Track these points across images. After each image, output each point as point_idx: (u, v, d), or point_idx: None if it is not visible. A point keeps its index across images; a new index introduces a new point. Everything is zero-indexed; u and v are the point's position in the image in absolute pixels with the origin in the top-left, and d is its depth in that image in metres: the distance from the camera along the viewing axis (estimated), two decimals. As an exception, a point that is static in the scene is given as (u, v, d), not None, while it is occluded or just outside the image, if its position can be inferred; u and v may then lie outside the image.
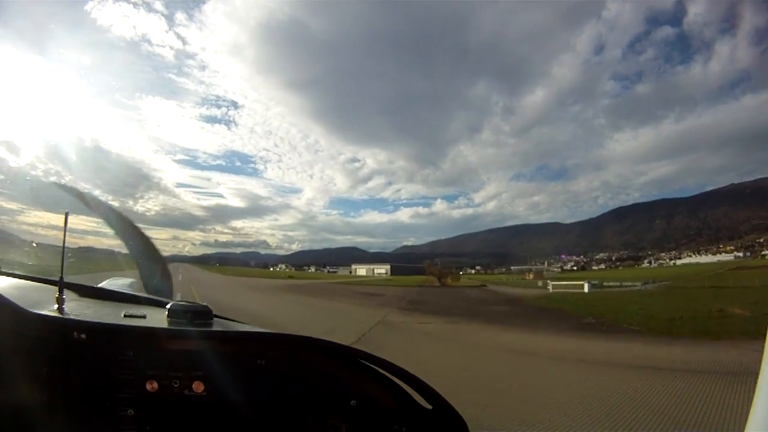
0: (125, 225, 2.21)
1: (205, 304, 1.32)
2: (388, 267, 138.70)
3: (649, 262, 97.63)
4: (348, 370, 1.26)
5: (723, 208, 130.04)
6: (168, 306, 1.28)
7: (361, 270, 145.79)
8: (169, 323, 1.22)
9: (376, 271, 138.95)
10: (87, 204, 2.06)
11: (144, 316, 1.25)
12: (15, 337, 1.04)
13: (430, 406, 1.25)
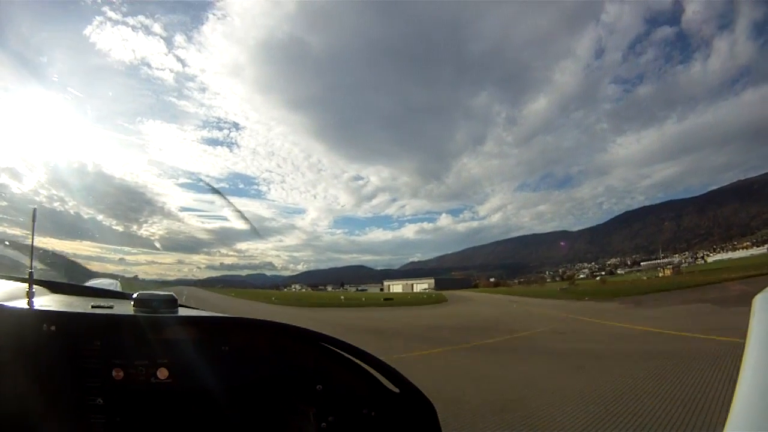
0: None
1: (171, 293, 1.33)
2: (432, 281, 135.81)
3: (680, 262, 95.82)
4: (313, 354, 1.27)
5: (731, 205, 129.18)
6: (134, 296, 1.31)
7: (396, 286, 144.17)
8: (135, 312, 1.23)
9: (417, 286, 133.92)
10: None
11: (111, 307, 1.27)
12: None
13: (397, 390, 1.28)
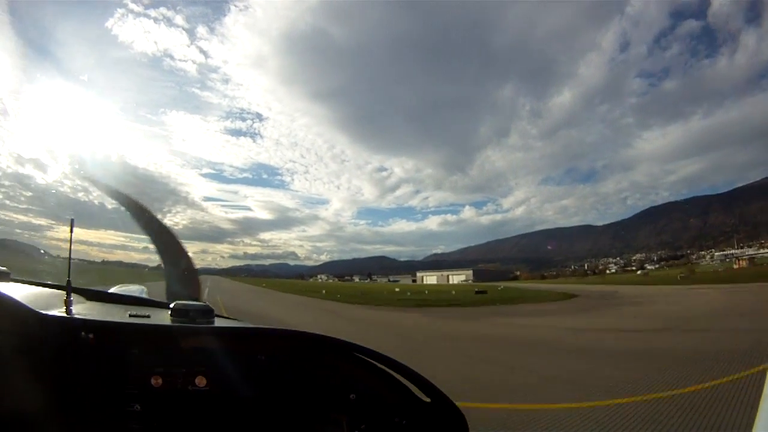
0: (152, 222, 2.27)
1: (207, 303, 1.39)
2: (470, 273, 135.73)
3: (711, 258, 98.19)
4: (347, 364, 1.30)
5: (758, 203, 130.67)
6: (171, 306, 1.35)
7: (431, 278, 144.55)
8: (173, 321, 1.27)
9: (454, 278, 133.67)
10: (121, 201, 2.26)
11: (148, 316, 1.32)
12: (26, 337, 1.09)
13: (428, 399, 1.30)
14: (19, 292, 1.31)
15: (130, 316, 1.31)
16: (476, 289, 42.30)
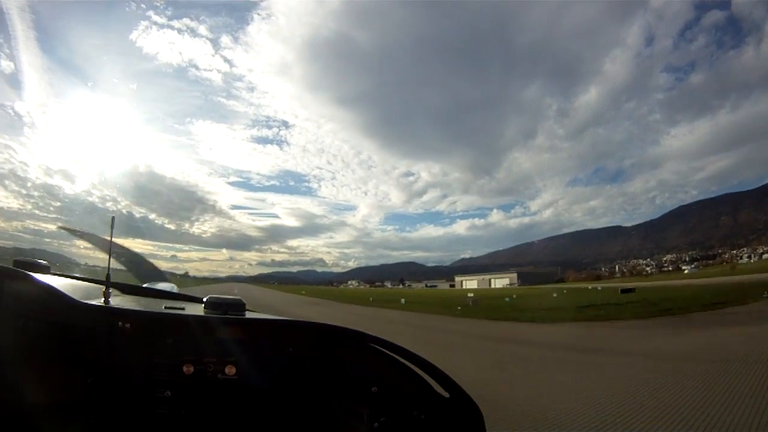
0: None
1: (239, 297, 1.45)
2: (514, 276, 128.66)
3: (749, 257, 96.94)
4: (370, 357, 1.35)
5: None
6: (204, 299, 1.43)
7: (471, 282, 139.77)
8: (206, 313, 1.34)
9: (496, 281, 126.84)
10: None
11: (183, 308, 1.39)
12: (66, 325, 1.17)
13: (447, 395, 1.34)
14: (61, 283, 1.41)
15: (165, 308, 1.43)
16: (622, 288, 33.88)
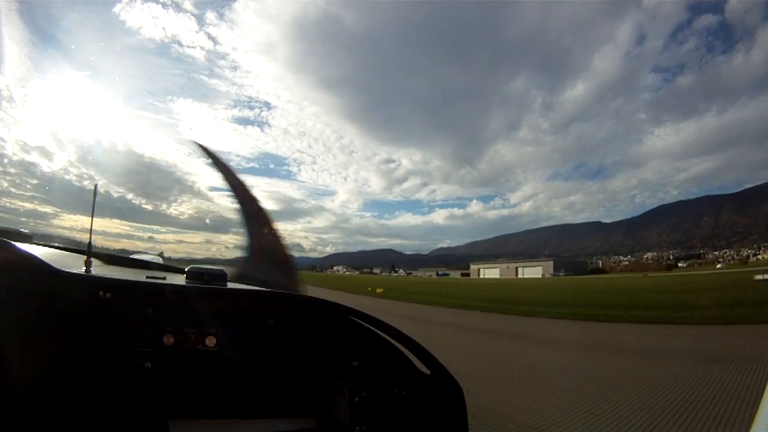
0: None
1: (221, 268, 1.41)
2: (549, 264, 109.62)
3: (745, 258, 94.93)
4: (352, 332, 1.34)
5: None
6: (186, 269, 1.40)
7: (491, 270, 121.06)
8: (187, 284, 1.31)
9: (526, 270, 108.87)
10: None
11: (164, 278, 1.37)
12: (47, 294, 1.15)
13: (428, 372, 1.33)
14: (42, 252, 1.35)
15: (147, 278, 1.36)
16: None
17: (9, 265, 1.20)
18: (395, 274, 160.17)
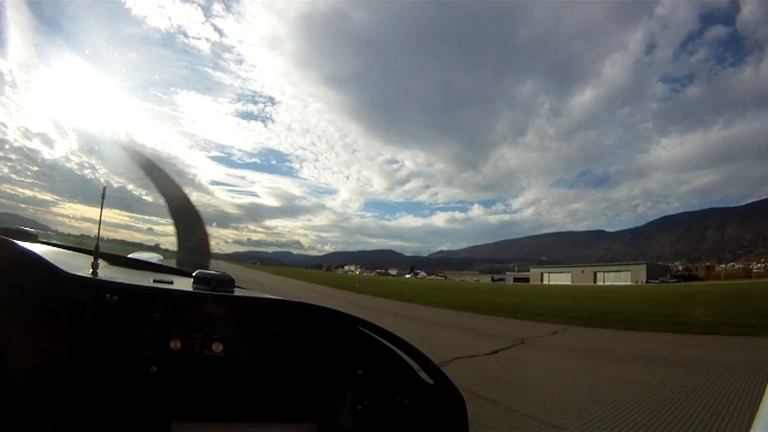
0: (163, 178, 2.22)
1: (229, 274, 1.41)
2: (642, 269, 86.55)
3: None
4: (357, 340, 1.34)
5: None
6: (194, 274, 1.39)
7: (558, 275, 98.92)
8: (194, 289, 1.31)
9: (607, 276, 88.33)
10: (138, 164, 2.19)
11: (171, 282, 1.37)
12: (53, 296, 1.14)
13: (431, 381, 1.34)
14: (48, 252, 1.34)
15: (154, 281, 1.35)
16: None
17: (14, 265, 1.19)
18: (416, 276, 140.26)
